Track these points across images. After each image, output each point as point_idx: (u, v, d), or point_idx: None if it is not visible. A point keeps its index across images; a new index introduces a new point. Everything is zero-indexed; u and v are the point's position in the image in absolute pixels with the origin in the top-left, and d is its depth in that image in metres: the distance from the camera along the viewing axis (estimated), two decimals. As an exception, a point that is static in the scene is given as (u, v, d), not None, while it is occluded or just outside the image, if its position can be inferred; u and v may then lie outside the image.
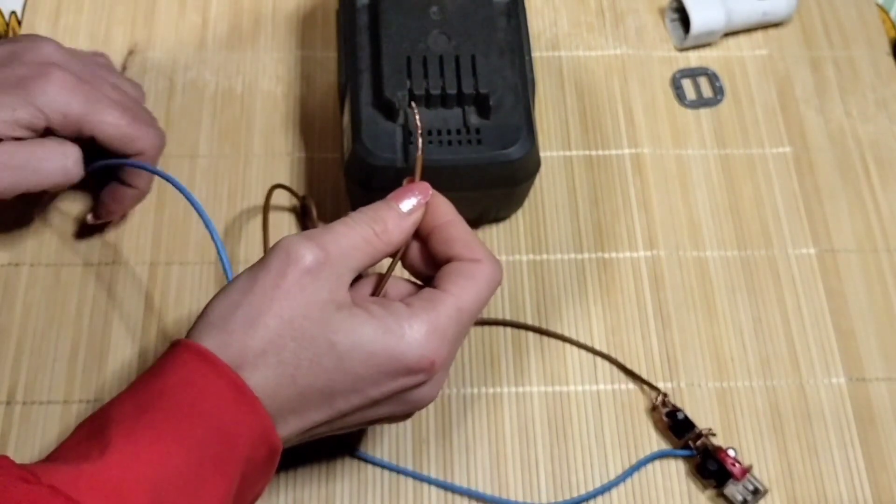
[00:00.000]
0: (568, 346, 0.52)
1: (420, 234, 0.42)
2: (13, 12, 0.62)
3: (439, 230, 0.41)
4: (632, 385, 0.52)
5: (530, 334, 0.53)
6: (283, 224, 0.55)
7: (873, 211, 0.58)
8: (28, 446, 0.48)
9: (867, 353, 0.53)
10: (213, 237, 0.44)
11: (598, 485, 0.49)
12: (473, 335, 0.52)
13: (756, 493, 0.48)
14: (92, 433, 0.36)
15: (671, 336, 0.53)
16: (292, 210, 0.55)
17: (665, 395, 0.50)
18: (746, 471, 0.48)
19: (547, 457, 0.49)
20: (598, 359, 0.52)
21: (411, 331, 0.38)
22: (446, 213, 0.42)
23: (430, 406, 0.50)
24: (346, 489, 0.48)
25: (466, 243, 0.41)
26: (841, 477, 0.49)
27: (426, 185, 0.42)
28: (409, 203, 0.41)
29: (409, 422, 0.50)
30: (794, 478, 0.49)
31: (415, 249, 0.42)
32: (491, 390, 0.51)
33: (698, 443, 0.49)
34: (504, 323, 0.53)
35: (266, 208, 0.55)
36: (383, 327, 0.38)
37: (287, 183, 0.56)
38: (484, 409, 0.51)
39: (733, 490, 0.48)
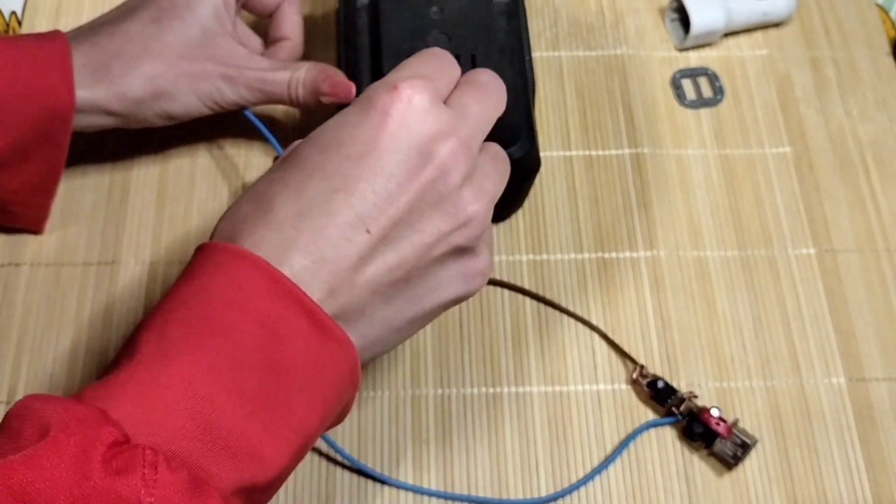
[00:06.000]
0: (568, 346, 0.52)
1: None
2: (13, 12, 0.62)
3: None
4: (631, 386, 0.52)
5: (531, 335, 0.53)
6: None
7: (873, 211, 0.58)
8: (28, 446, 0.48)
9: (867, 353, 0.53)
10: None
11: (597, 483, 0.49)
12: (473, 335, 0.52)
13: (745, 446, 0.48)
14: (123, 349, 0.34)
15: (671, 336, 0.53)
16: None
17: (643, 366, 0.51)
18: (731, 427, 0.48)
19: (547, 457, 0.49)
20: (598, 358, 0.52)
21: (366, 89, 0.37)
22: None
23: (430, 406, 0.50)
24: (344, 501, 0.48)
25: None
26: (841, 477, 0.50)
27: None
28: None
29: (409, 422, 0.50)
30: (794, 478, 0.49)
31: None
32: (491, 390, 0.51)
33: (682, 407, 0.49)
34: (502, 284, 0.53)
35: None
36: None
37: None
38: (484, 409, 0.51)
39: (722, 447, 0.48)
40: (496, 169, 0.40)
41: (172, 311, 0.34)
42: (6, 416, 0.31)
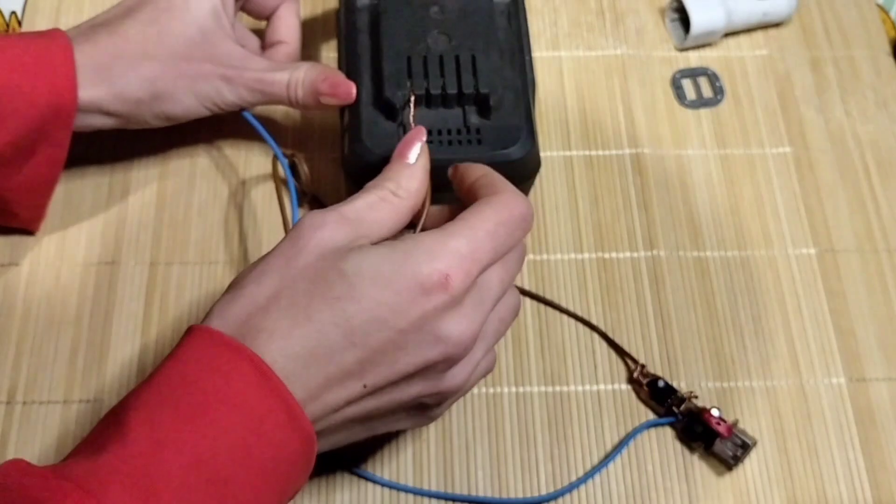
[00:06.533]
0: (568, 346, 0.52)
1: (461, 198, 0.43)
2: (13, 12, 0.62)
3: (471, 187, 0.42)
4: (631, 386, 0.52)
5: (531, 334, 0.53)
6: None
7: (873, 211, 0.58)
8: (28, 446, 0.48)
9: (867, 353, 0.53)
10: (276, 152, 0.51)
11: (597, 483, 0.49)
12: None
13: (745, 446, 0.48)
14: (109, 424, 0.35)
15: (671, 336, 0.53)
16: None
17: (644, 365, 0.51)
18: (732, 427, 0.48)
19: (547, 457, 0.49)
20: (598, 358, 0.52)
21: (417, 247, 0.37)
22: (476, 171, 0.42)
23: (431, 406, 0.50)
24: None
25: (490, 185, 0.41)
26: (841, 477, 0.50)
27: (420, 128, 0.43)
28: (414, 152, 0.42)
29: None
30: (794, 478, 0.49)
31: (436, 216, 0.43)
32: (491, 390, 0.51)
33: (682, 407, 0.49)
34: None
35: (276, 179, 0.56)
36: (390, 248, 0.37)
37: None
38: (484, 409, 0.51)
39: (722, 447, 0.48)
40: (494, 330, 0.41)
41: (164, 396, 0.35)
42: None
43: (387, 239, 0.40)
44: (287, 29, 0.55)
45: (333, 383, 0.37)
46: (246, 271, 0.39)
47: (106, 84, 0.48)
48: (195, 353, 0.36)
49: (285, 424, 0.35)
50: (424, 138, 0.43)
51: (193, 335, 0.37)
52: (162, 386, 0.35)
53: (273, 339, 0.36)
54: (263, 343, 0.36)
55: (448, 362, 0.38)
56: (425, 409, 0.41)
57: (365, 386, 0.37)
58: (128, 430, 0.34)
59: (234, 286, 0.38)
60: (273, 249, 0.39)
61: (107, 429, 0.35)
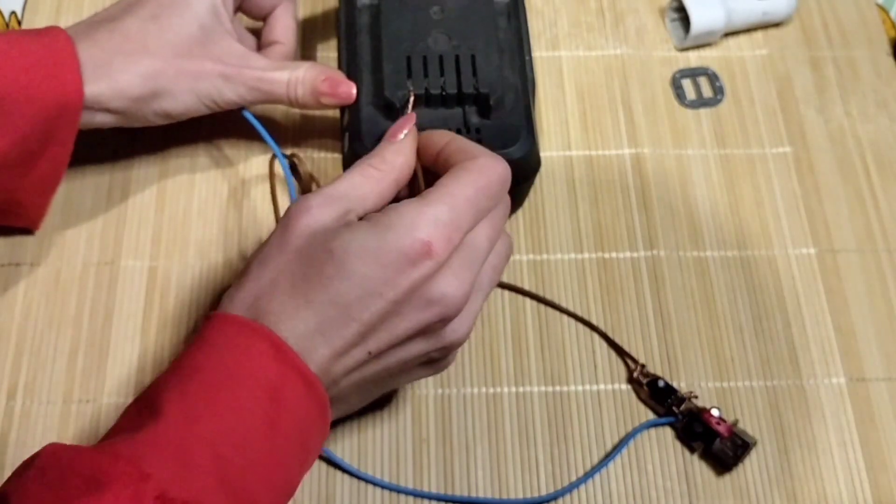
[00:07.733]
0: (568, 346, 0.52)
1: (428, 167, 0.44)
2: (13, 12, 0.62)
3: (441, 155, 0.43)
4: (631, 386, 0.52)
5: (531, 334, 0.53)
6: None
7: (873, 211, 0.58)
8: (28, 446, 0.48)
9: (867, 353, 0.53)
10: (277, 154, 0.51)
11: (597, 483, 0.49)
12: (473, 335, 0.52)
13: (745, 446, 0.48)
14: (140, 408, 0.37)
15: (671, 336, 0.53)
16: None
17: (643, 365, 0.51)
18: (732, 427, 0.48)
19: (547, 457, 0.49)
20: (598, 358, 0.52)
21: (399, 218, 0.39)
22: (442, 137, 0.44)
23: (431, 405, 0.50)
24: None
25: (463, 150, 0.42)
26: (841, 477, 0.50)
27: (412, 114, 0.45)
28: (401, 133, 0.44)
29: (409, 422, 0.50)
30: (794, 478, 0.49)
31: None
32: (491, 390, 0.51)
33: (682, 407, 0.50)
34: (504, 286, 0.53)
35: (272, 178, 0.56)
36: (373, 223, 0.39)
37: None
38: (484, 409, 0.51)
39: (722, 447, 0.48)
40: (489, 280, 0.42)
41: (190, 376, 0.38)
42: (35, 467, 0.34)
43: (375, 212, 0.41)
44: (283, 29, 0.55)
45: (340, 355, 0.39)
46: (250, 260, 0.41)
47: (106, 80, 0.48)
48: (214, 336, 0.39)
49: (304, 395, 0.38)
50: (414, 122, 0.44)
51: (211, 321, 0.39)
52: (186, 368, 0.38)
53: (281, 321, 0.38)
54: (273, 325, 0.38)
55: (445, 321, 0.40)
56: (434, 362, 0.43)
57: (370, 353, 0.39)
58: (160, 409, 0.36)
59: (240, 275, 0.41)
60: (268, 237, 0.41)
61: (139, 413, 0.37)
